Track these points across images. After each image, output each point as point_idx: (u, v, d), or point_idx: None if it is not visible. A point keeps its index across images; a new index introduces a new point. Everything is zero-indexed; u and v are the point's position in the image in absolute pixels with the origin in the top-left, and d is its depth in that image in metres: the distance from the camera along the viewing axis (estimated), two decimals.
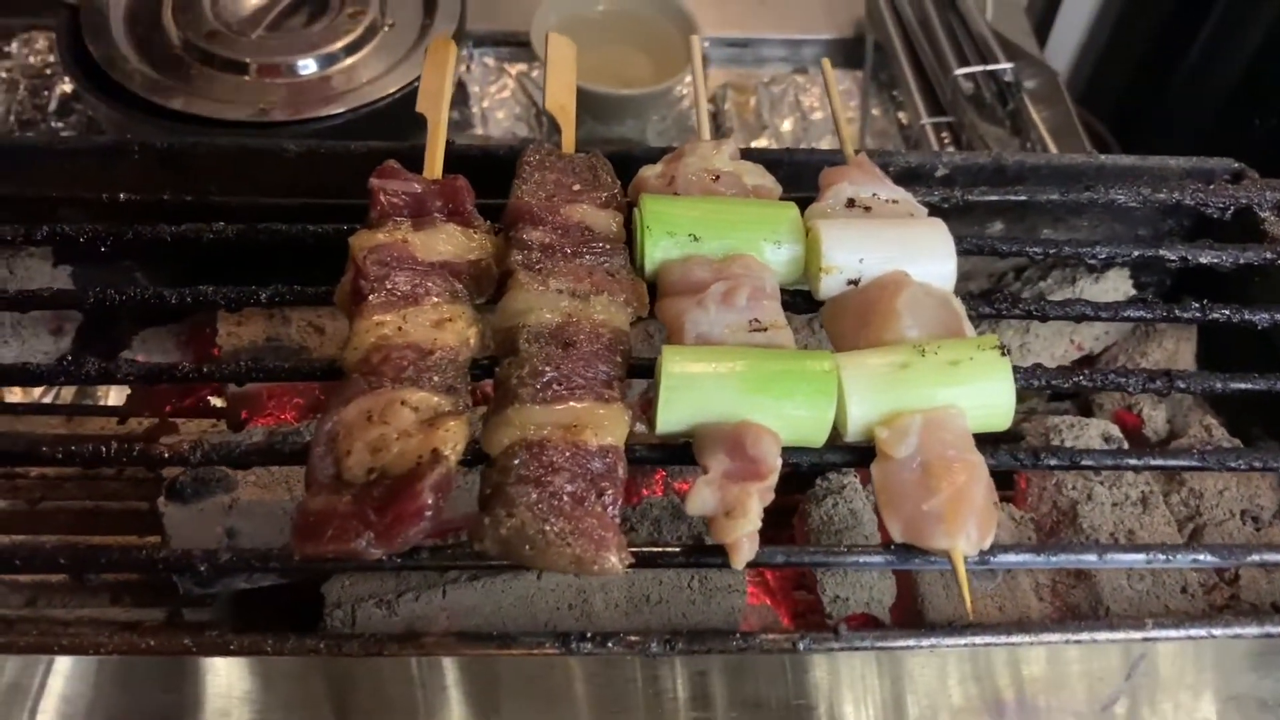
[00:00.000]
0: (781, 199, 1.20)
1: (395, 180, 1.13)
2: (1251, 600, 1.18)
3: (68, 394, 1.62)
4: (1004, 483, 1.31)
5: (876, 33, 2.24)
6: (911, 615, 1.16)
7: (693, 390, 0.97)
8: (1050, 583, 1.20)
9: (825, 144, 2.11)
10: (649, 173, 1.21)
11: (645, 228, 1.11)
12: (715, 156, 1.21)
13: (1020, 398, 1.02)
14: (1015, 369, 1.04)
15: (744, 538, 0.92)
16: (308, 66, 1.79)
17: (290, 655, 0.99)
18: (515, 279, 1.06)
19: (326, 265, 1.11)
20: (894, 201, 1.18)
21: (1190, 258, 1.26)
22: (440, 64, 1.26)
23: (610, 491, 0.93)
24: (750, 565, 0.93)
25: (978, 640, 1.03)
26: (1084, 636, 1.05)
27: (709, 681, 1.08)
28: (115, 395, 1.61)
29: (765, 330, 1.05)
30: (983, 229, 1.49)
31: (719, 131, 2.13)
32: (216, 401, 1.52)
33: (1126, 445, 1.31)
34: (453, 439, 0.92)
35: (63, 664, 1.04)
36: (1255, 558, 1.06)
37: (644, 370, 1.05)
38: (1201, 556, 1.04)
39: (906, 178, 1.37)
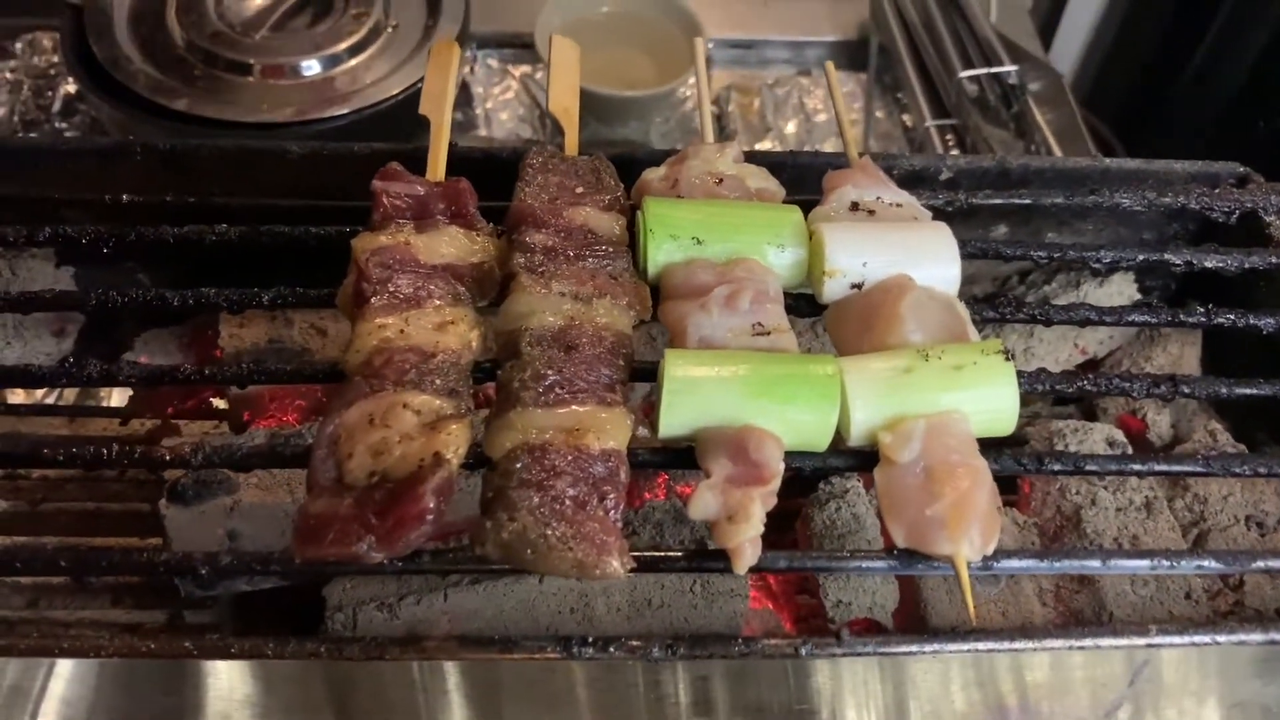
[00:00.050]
0: (785, 202, 1.20)
1: (398, 182, 1.13)
2: (1256, 606, 1.17)
3: (70, 395, 1.62)
4: (1007, 487, 1.31)
5: (881, 35, 2.23)
6: (914, 620, 1.16)
7: (695, 394, 0.97)
8: (1054, 588, 1.20)
9: (829, 146, 2.11)
10: (652, 175, 1.20)
11: (648, 231, 1.11)
12: (719, 159, 1.20)
13: (1024, 402, 1.02)
14: (1019, 374, 1.03)
15: (746, 542, 0.91)
16: (311, 68, 1.79)
17: (291, 658, 0.99)
18: (518, 282, 1.05)
19: (329, 267, 1.11)
20: (898, 205, 1.18)
21: (1195, 262, 1.26)
22: (443, 66, 1.26)
23: (612, 495, 0.92)
24: (752, 570, 0.93)
25: (981, 646, 1.03)
26: (1087, 643, 1.04)
27: (711, 686, 1.08)
28: (118, 397, 1.61)
29: (768, 334, 1.04)
30: (987, 232, 1.49)
31: (723, 133, 2.13)
32: (219, 403, 1.51)
33: (1130, 450, 1.30)
34: (454, 442, 0.92)
35: (64, 666, 1.04)
36: (1260, 564, 1.05)
37: (647, 374, 1.04)
38: (1206, 563, 1.04)
39: (910, 181, 1.37)
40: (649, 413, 1.10)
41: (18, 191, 1.32)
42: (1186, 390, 1.13)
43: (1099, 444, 1.28)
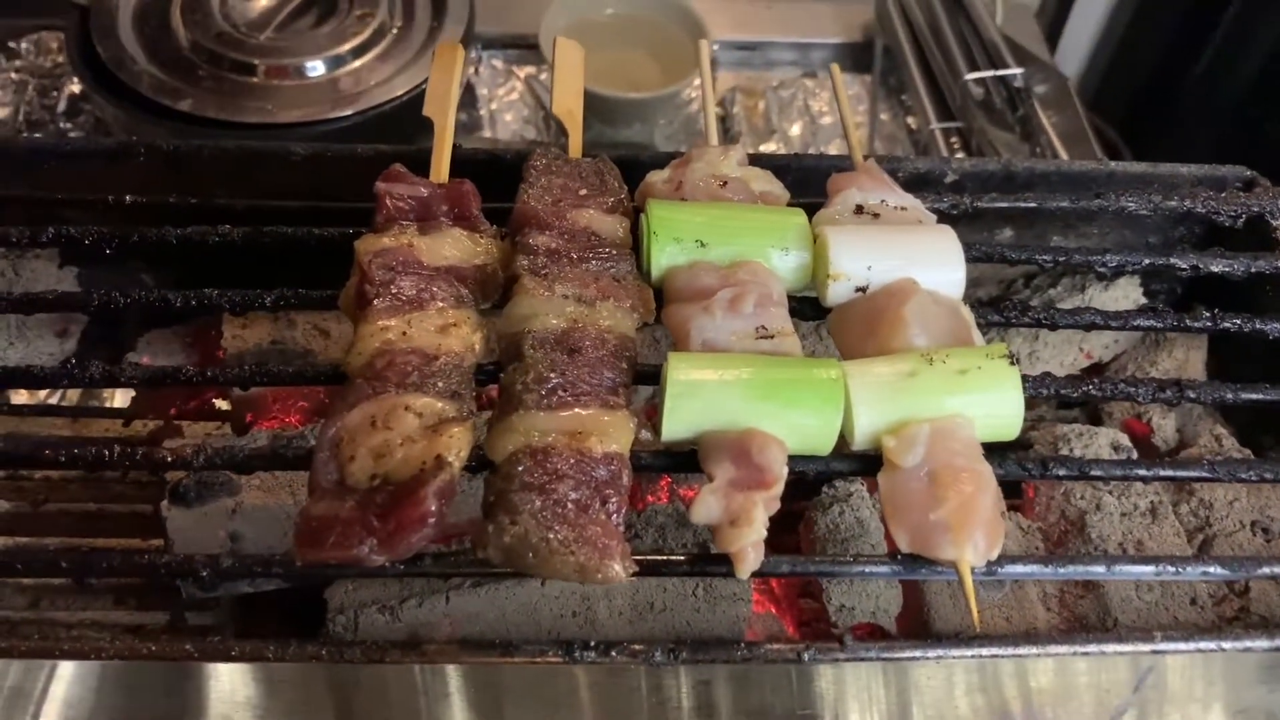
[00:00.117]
0: (789, 205, 1.19)
1: (401, 184, 1.13)
2: (1261, 612, 1.17)
3: (73, 395, 1.62)
4: (1012, 491, 1.31)
5: (886, 37, 2.23)
6: (918, 625, 1.16)
7: (698, 397, 0.97)
8: (1058, 593, 1.20)
9: (834, 148, 2.10)
10: (656, 178, 1.20)
11: (652, 233, 1.10)
12: (723, 162, 1.20)
13: (1029, 405, 1.01)
14: (1024, 378, 1.03)
15: (749, 547, 0.91)
16: (316, 69, 1.79)
17: (292, 661, 0.99)
18: (521, 284, 1.05)
19: (332, 269, 1.11)
20: (902, 208, 1.17)
21: (1201, 266, 1.25)
22: (447, 67, 1.26)
23: (615, 499, 0.92)
24: (755, 575, 0.92)
25: (984, 652, 1.03)
26: (1092, 649, 1.04)
27: (713, 690, 1.07)
28: (120, 397, 1.61)
29: (772, 337, 1.04)
30: (992, 235, 1.48)
31: (727, 135, 2.13)
32: (221, 404, 1.51)
33: (1135, 454, 1.30)
34: (457, 445, 0.92)
35: (65, 668, 1.04)
36: (1265, 570, 1.05)
37: (650, 377, 1.04)
38: (1211, 569, 1.03)
39: (915, 184, 1.36)
40: (652, 415, 1.10)
41: (21, 192, 1.32)
42: (1192, 395, 1.12)
43: (1104, 448, 1.28)
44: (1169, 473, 1.12)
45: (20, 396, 1.57)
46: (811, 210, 1.17)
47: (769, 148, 2.12)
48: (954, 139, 2.01)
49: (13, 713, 1.05)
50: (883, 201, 1.17)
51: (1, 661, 1.02)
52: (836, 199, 1.18)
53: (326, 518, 0.89)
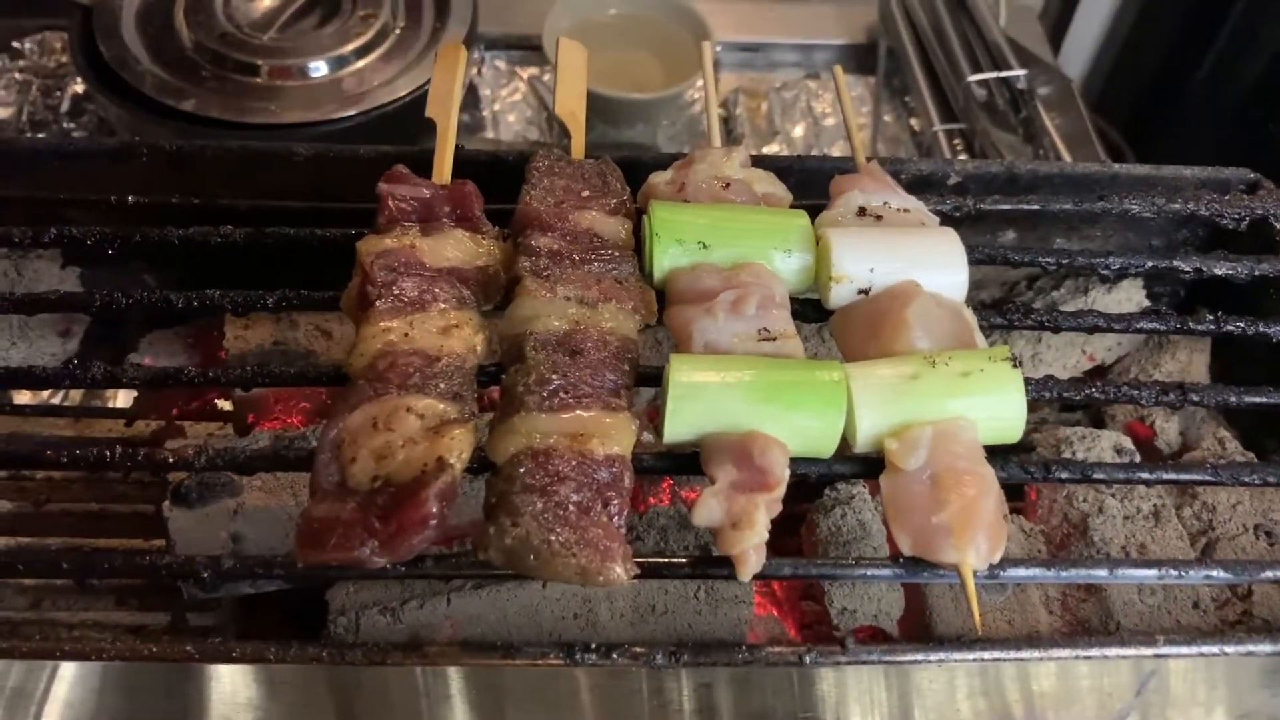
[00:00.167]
0: (792, 207, 1.19)
1: (404, 185, 1.13)
2: (1264, 616, 1.17)
3: (75, 396, 1.62)
4: (1014, 494, 1.31)
5: (889, 38, 2.23)
6: (920, 628, 1.15)
7: (700, 400, 0.97)
8: (1060, 596, 1.19)
9: (837, 149, 2.10)
10: (659, 179, 1.20)
11: (654, 235, 1.10)
12: (726, 164, 1.20)
13: (1031, 408, 1.01)
14: (1027, 381, 1.02)
15: (751, 549, 0.91)
16: (319, 69, 1.79)
17: (293, 663, 0.99)
18: (523, 286, 1.05)
19: (334, 269, 1.11)
20: (905, 210, 1.17)
21: (1205, 269, 1.25)
22: (450, 68, 1.26)
23: (616, 501, 0.92)
24: (757, 577, 0.92)
25: (986, 655, 1.03)
26: (1094, 652, 1.04)
27: (714, 693, 1.07)
28: (123, 397, 1.61)
29: (774, 340, 1.04)
30: (995, 237, 1.48)
31: (730, 137, 2.13)
32: (223, 404, 1.51)
33: (1138, 457, 1.30)
34: (458, 447, 0.91)
35: (66, 669, 1.04)
36: (1269, 574, 1.04)
37: (652, 378, 1.04)
38: (1214, 573, 1.03)
39: (918, 186, 1.36)
40: (654, 417, 1.10)
41: (24, 192, 1.32)
42: (1195, 398, 1.12)
43: (1107, 451, 1.28)
44: (1172, 476, 1.11)
45: (23, 396, 1.57)
46: (814, 212, 1.17)
47: (772, 149, 2.12)
48: (957, 141, 2.01)
49: (14, 713, 1.05)
50: (885, 204, 1.17)
51: (3, 662, 1.02)
52: (839, 201, 1.18)
53: (328, 519, 0.88)
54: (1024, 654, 1.04)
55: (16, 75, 2.08)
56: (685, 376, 0.97)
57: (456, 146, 1.20)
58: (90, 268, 1.43)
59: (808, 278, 1.13)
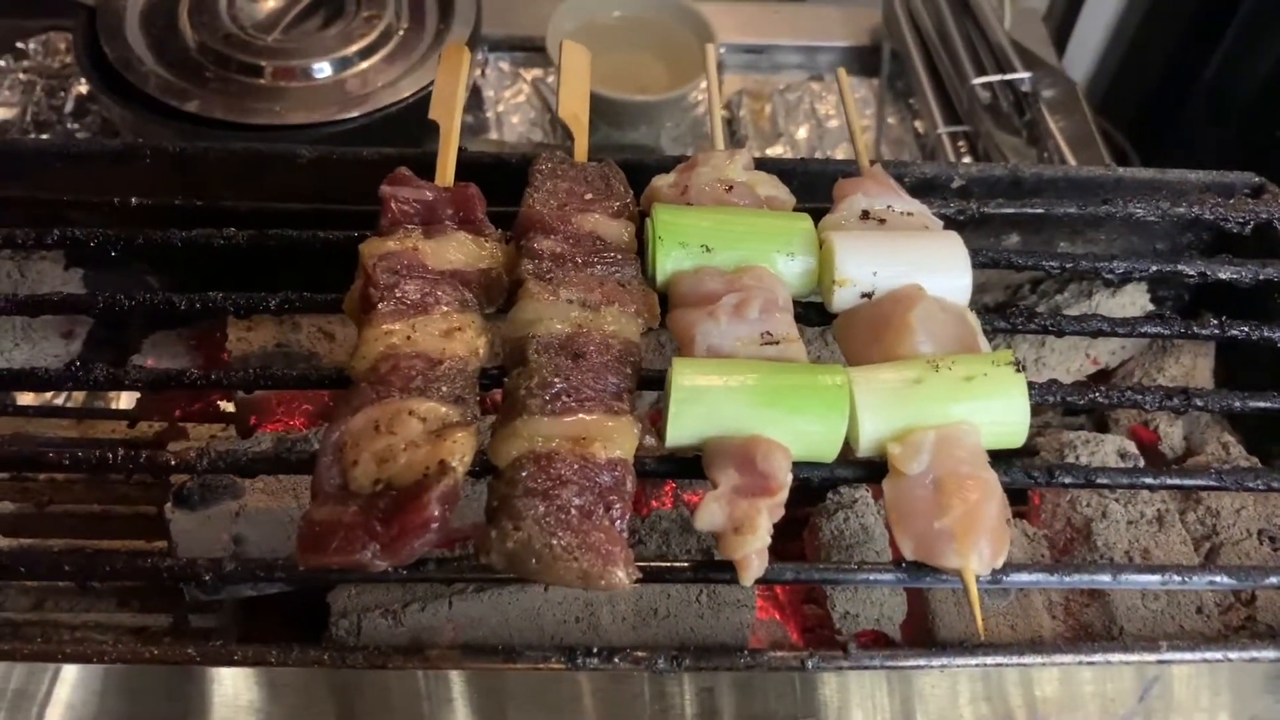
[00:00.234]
0: (795, 210, 1.19)
1: (407, 187, 1.12)
2: (1268, 621, 1.16)
3: (78, 397, 1.63)
4: (1018, 498, 1.30)
5: (893, 40, 2.22)
6: (922, 632, 1.15)
7: (703, 403, 0.96)
8: (1063, 601, 1.19)
9: (840, 152, 2.10)
10: (662, 182, 1.20)
11: (657, 238, 1.10)
12: (729, 166, 1.20)
13: (1035, 412, 1.01)
14: (1030, 385, 1.02)
15: (753, 554, 0.90)
16: (323, 70, 1.79)
17: (295, 666, 0.99)
18: (525, 288, 1.05)
19: (336, 272, 1.10)
20: (909, 214, 1.17)
21: (1209, 273, 1.25)
22: (453, 70, 1.25)
23: (618, 505, 0.92)
24: (759, 582, 0.92)
25: (989, 660, 1.02)
26: (1097, 658, 1.03)
27: (716, 697, 1.07)
28: (126, 399, 1.62)
29: (777, 343, 1.04)
30: (999, 241, 1.48)
31: (734, 139, 2.13)
32: (226, 406, 1.51)
33: (1142, 462, 1.29)
34: (460, 450, 0.91)
35: (68, 671, 1.04)
36: (1273, 580, 1.04)
37: (654, 382, 1.04)
38: (1218, 579, 1.03)
39: (922, 189, 1.36)
40: (656, 420, 1.10)
41: (27, 193, 1.32)
42: (1199, 403, 1.12)
43: (1110, 456, 1.27)
44: (1176, 481, 1.11)
45: (26, 398, 1.57)
46: (817, 215, 1.17)
47: (775, 151, 2.11)
48: (961, 143, 2.01)
49: (16, 715, 1.05)
50: (889, 207, 1.17)
51: (5, 664, 1.02)
52: (842, 204, 1.18)
53: (329, 522, 0.88)
54: (1027, 659, 1.04)
55: (21, 76, 2.09)
56: (688, 380, 0.97)
57: (459, 149, 1.20)
58: (93, 269, 1.43)
59: (811, 281, 1.13)
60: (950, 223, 1.21)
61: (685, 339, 1.05)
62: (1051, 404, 1.11)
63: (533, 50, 2.19)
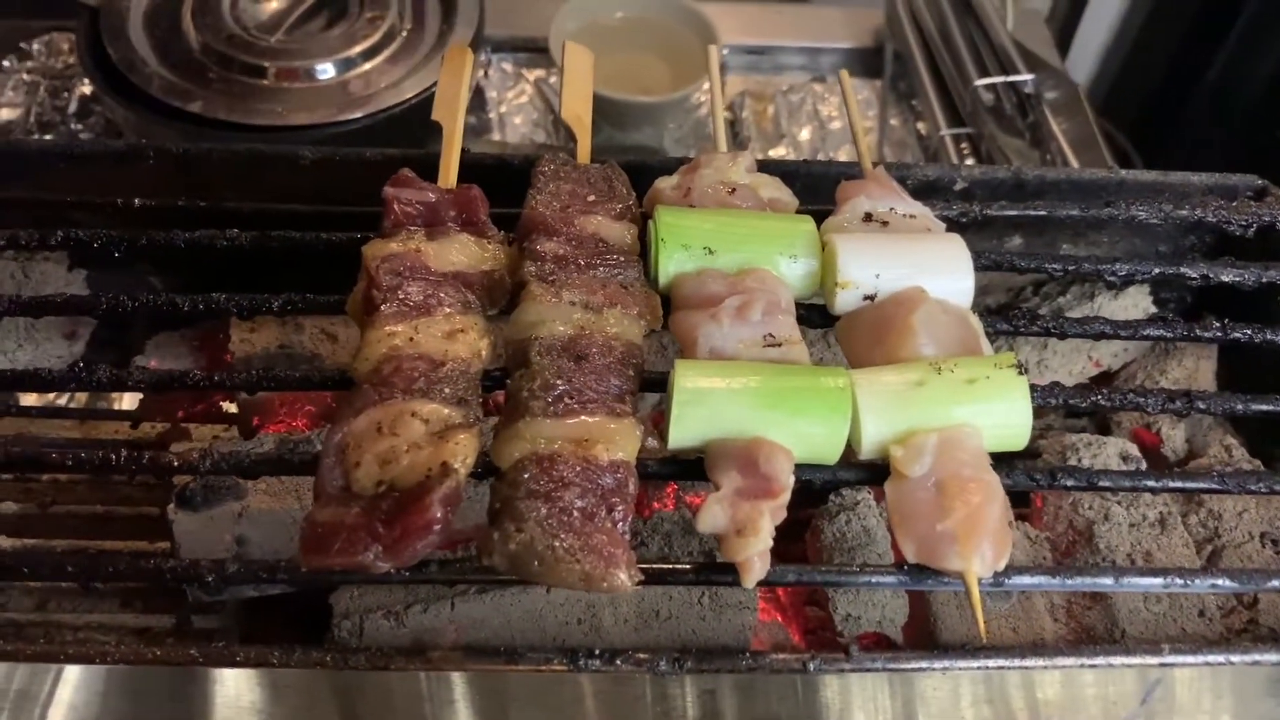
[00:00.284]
0: (798, 212, 1.19)
1: (409, 189, 1.13)
2: (1270, 625, 1.16)
3: (81, 397, 1.63)
4: (1020, 500, 1.30)
5: (896, 42, 2.22)
6: (924, 635, 1.15)
7: (705, 406, 0.96)
8: (1065, 604, 1.19)
9: (843, 153, 2.10)
10: (664, 184, 1.20)
11: (659, 240, 1.10)
12: (731, 169, 1.20)
13: (1037, 415, 1.01)
14: (1032, 387, 1.02)
15: (755, 556, 0.91)
16: (326, 71, 1.79)
17: (297, 667, 0.99)
18: (528, 290, 1.05)
19: (339, 273, 1.11)
20: (911, 216, 1.17)
21: (1211, 276, 1.25)
22: (456, 71, 1.26)
23: (621, 507, 0.92)
24: (761, 584, 0.92)
25: (991, 663, 1.02)
26: (1099, 661, 1.03)
27: (718, 699, 1.07)
28: (129, 399, 1.62)
29: (779, 345, 1.03)
30: (1001, 243, 1.48)
31: (736, 140, 2.13)
32: (229, 407, 1.52)
33: (1144, 464, 1.29)
34: (463, 452, 0.91)
35: (71, 672, 1.04)
36: (1275, 583, 1.04)
37: (657, 384, 1.04)
38: (1220, 582, 1.03)
39: (924, 191, 1.36)
40: (658, 422, 1.10)
41: (31, 194, 1.33)
42: (1202, 406, 1.12)
43: (1113, 458, 1.27)
44: (1178, 484, 1.11)
45: (29, 398, 1.58)
46: (820, 217, 1.17)
47: (778, 152, 2.11)
48: (964, 145, 2.00)
49: (19, 716, 1.05)
50: (891, 209, 1.17)
51: (8, 665, 1.02)
52: (845, 206, 1.18)
53: (332, 524, 0.88)
54: (1029, 662, 1.04)
55: (24, 76, 2.09)
56: (690, 382, 0.97)
57: (462, 150, 1.20)
58: (97, 270, 1.43)
59: (813, 283, 1.13)
60: (953, 225, 1.21)
61: (688, 341, 1.05)
62: (1054, 406, 1.11)
63: (536, 51, 2.19)
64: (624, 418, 0.96)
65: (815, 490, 1.17)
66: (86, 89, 2.06)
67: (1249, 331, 1.20)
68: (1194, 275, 1.25)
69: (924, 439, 0.98)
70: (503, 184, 1.17)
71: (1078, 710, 1.10)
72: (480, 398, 1.00)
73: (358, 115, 1.74)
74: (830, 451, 0.99)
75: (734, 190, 1.18)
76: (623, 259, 1.10)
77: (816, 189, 1.30)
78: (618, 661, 1.00)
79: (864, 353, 1.07)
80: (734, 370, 0.99)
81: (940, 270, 1.10)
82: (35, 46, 2.13)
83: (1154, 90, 2.65)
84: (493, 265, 1.09)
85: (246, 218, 1.23)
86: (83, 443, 1.44)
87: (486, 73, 2.17)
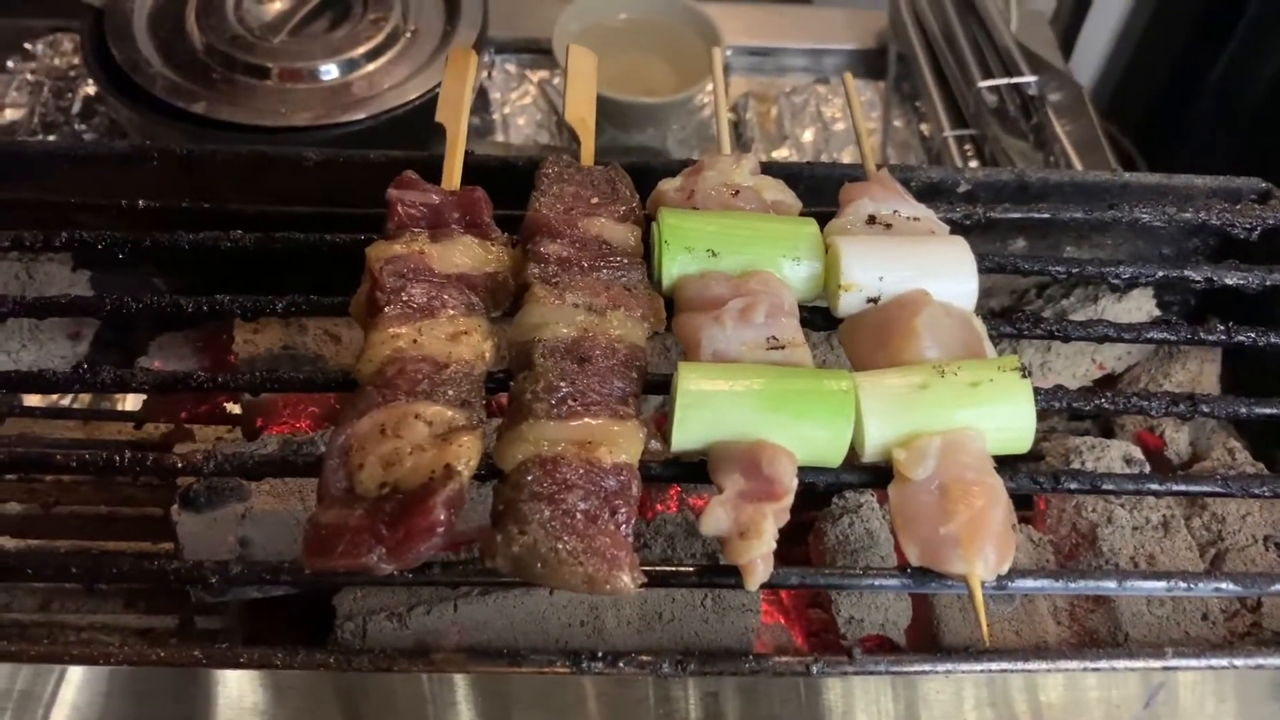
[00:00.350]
0: (801, 214, 1.19)
1: (413, 191, 1.13)
2: (1274, 628, 1.16)
3: (85, 398, 1.63)
4: (1023, 503, 1.30)
5: (899, 43, 2.22)
6: (927, 638, 1.15)
7: (708, 408, 0.96)
8: (1069, 607, 1.19)
9: (847, 154, 2.10)
10: (668, 186, 1.20)
11: (663, 242, 1.10)
12: (735, 171, 1.20)
13: (1040, 417, 1.01)
14: (1036, 390, 1.02)
15: (758, 559, 0.90)
16: (329, 72, 1.80)
17: (300, 669, 0.99)
18: (532, 292, 1.05)
19: (343, 274, 1.11)
20: (915, 218, 1.17)
21: (1216, 279, 1.25)
22: (460, 73, 1.26)
23: (624, 510, 0.92)
24: (764, 587, 0.92)
25: (994, 666, 1.02)
26: (1102, 665, 1.03)
27: (721, 702, 1.07)
28: (132, 400, 1.62)
29: (783, 348, 1.03)
30: (1005, 246, 1.48)
31: (740, 141, 2.13)
32: (232, 408, 1.52)
33: (1148, 467, 1.29)
34: (466, 454, 0.91)
35: (74, 673, 1.04)
36: (1279, 587, 1.04)
37: (660, 386, 1.04)
38: (1224, 585, 1.03)
39: (928, 193, 1.36)
40: (661, 424, 1.10)
41: (35, 195, 1.33)
42: (1206, 410, 1.12)
43: (1116, 461, 1.27)
44: (1181, 488, 1.11)
45: (33, 399, 1.58)
46: (823, 219, 1.17)
47: (781, 154, 2.11)
48: (967, 146, 2.00)
49: (22, 717, 1.05)
50: (895, 212, 1.17)
51: (11, 666, 1.02)
52: (849, 209, 1.18)
53: (335, 526, 0.88)
54: (1032, 665, 1.04)
55: (28, 76, 2.09)
56: (694, 385, 0.97)
57: (466, 152, 1.20)
58: (101, 271, 1.43)
59: (817, 286, 1.13)
60: (956, 227, 1.21)
61: (691, 343, 1.05)
62: (1057, 410, 1.11)
63: (539, 52, 2.19)
64: (627, 420, 0.97)
65: (818, 493, 1.17)
66: (90, 89, 2.06)
67: (1253, 335, 1.20)
68: (1198, 278, 1.25)
69: (927, 442, 0.97)
70: (506, 186, 1.17)
71: (1081, 714, 1.10)
72: (483, 400, 1.00)
73: (361, 116, 1.75)
74: (833, 454, 0.99)
75: (737, 192, 1.18)
76: (626, 261, 1.10)
77: (820, 191, 1.30)
78: (620, 664, 1.00)
79: (867, 355, 1.07)
80: (737, 373, 0.99)
81: (944, 273, 1.10)
82: (39, 47, 2.13)
83: (1158, 92, 2.64)
84: (496, 267, 1.09)
85: (250, 219, 1.23)
86: (86, 443, 1.44)
87: (490, 74, 2.17)
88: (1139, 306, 1.48)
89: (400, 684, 1.05)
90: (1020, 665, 1.03)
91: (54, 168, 1.36)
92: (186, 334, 1.49)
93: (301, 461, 1.01)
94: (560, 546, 0.87)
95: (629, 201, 1.17)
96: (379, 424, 0.94)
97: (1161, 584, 1.03)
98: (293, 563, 0.97)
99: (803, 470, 0.96)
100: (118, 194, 1.27)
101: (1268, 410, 1.13)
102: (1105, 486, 1.07)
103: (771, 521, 0.92)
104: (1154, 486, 1.09)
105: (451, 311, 1.04)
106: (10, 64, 2.10)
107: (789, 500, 0.93)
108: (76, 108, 2.05)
